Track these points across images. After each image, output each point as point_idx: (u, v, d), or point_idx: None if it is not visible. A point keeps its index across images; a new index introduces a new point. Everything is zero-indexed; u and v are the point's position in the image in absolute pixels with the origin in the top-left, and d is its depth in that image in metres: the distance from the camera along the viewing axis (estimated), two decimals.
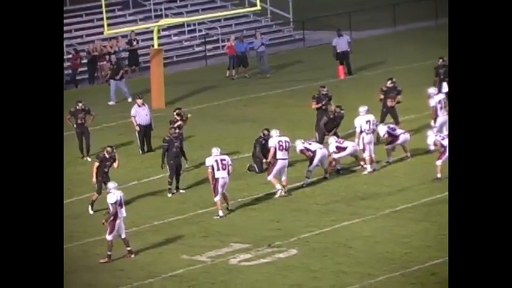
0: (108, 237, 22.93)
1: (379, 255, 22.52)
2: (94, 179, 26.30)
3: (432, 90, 30.73)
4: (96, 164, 26.52)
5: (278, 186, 26.74)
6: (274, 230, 24.69)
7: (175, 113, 29.99)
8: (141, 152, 31.58)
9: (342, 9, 50.94)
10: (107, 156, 26.36)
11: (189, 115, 31.18)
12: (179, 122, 29.41)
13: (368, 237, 23.67)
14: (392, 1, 50.99)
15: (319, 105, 30.98)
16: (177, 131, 28.18)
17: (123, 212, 22.81)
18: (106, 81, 40.99)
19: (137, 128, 31.63)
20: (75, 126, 30.76)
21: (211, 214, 26.35)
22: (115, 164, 26.60)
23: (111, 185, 23.31)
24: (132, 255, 23.24)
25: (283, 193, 26.93)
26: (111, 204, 23.02)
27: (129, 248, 22.97)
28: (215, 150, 25.91)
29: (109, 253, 22.94)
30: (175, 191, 27.82)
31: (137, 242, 24.21)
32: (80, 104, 31.19)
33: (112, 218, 22.86)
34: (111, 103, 38.25)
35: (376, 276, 21.39)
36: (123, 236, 23.15)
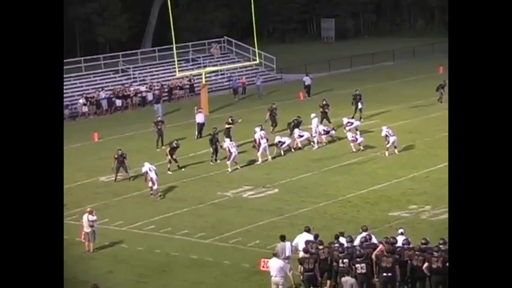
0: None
1: (322, 192, 30.78)
2: (169, 157, 34.70)
3: (345, 120, 40.61)
4: (168, 148, 35.36)
5: (260, 159, 35.49)
6: (266, 178, 33.49)
7: (229, 118, 39.11)
8: (196, 137, 41.59)
9: (301, 62, 64.83)
10: (174, 145, 35.42)
11: (239, 120, 40.11)
12: (229, 125, 38.02)
13: (315, 183, 32.39)
14: (329, 58, 66.15)
15: (272, 114, 41.41)
16: (216, 130, 36.50)
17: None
18: (152, 104, 51.12)
19: (196, 124, 41.36)
20: (156, 129, 39.83)
21: (234, 172, 34.20)
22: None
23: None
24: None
25: (266, 159, 35.02)
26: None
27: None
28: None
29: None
30: (214, 161, 36.44)
31: (194, 186, 32.83)
32: (159, 118, 40.51)
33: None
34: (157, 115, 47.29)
35: (320, 203, 29.36)
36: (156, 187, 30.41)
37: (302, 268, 20.75)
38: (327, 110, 42.59)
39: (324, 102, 42.91)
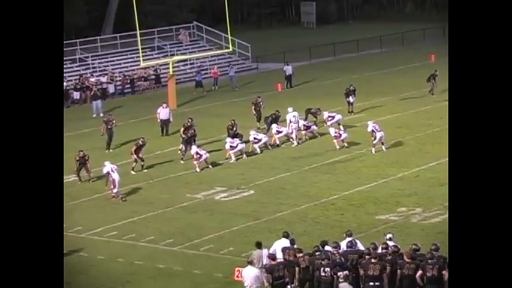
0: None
1: (302, 194, 30.93)
2: (134, 156, 34.63)
3: (326, 114, 41.05)
4: (134, 147, 35.04)
5: (233, 157, 35.98)
6: (240, 179, 33.52)
7: (187, 121, 38.57)
8: (161, 135, 41.57)
9: (279, 50, 65.18)
10: (141, 143, 35.15)
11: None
12: (188, 133, 37.20)
13: (295, 183, 32.40)
14: (309, 45, 66.58)
15: (257, 108, 41.65)
16: (195, 131, 36.56)
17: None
18: (90, 102, 51.19)
19: (159, 121, 41.41)
20: (106, 129, 39.63)
21: (205, 171, 34.38)
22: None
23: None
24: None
25: (240, 157, 35.42)
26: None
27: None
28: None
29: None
30: (184, 160, 36.10)
31: (161, 187, 32.88)
32: (109, 116, 40.43)
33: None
34: (94, 115, 48.07)
35: (300, 205, 29.49)
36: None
37: (270, 277, 20.68)
38: (317, 116, 42.68)
39: (314, 110, 43.00)
